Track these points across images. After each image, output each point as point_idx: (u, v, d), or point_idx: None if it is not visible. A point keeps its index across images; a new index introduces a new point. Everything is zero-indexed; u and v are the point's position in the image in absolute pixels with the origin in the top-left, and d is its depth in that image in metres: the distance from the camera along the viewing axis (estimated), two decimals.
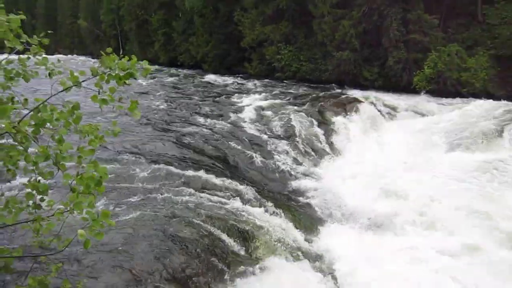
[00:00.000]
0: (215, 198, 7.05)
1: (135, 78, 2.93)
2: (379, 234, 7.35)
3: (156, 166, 8.00)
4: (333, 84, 21.87)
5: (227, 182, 7.93)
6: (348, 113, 14.88)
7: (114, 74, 2.88)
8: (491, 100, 17.21)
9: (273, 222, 6.80)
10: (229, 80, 24.31)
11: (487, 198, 8.89)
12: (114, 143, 9.31)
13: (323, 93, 18.30)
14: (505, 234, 7.18)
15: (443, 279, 5.92)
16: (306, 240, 6.87)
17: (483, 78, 18.93)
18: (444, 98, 18.47)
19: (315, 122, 13.75)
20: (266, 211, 7.16)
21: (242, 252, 5.73)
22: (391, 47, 20.68)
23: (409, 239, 7.04)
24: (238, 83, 22.94)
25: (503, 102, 16.77)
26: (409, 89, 19.88)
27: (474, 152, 12.44)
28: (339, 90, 20.21)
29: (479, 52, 19.67)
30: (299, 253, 6.24)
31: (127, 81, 2.90)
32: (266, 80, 24.58)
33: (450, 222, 7.51)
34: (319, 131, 13.33)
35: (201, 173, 7.98)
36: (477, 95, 18.29)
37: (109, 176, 3.07)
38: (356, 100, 16.26)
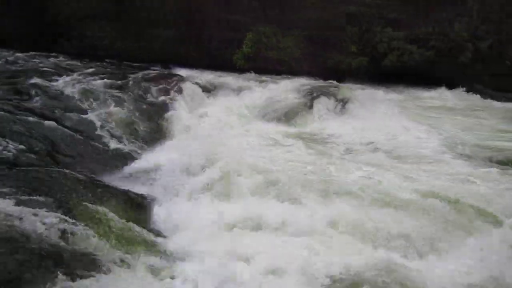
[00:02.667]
0: None
1: None
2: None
3: None
4: (158, 64, 22.01)
5: None
6: (173, 92, 15.34)
7: None
8: (304, 77, 19.64)
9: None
10: (40, 59, 22.33)
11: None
12: None
13: (147, 72, 18.36)
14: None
15: None
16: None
17: (296, 56, 21.33)
18: (263, 76, 20.26)
19: (141, 103, 13.89)
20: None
21: None
22: (214, 26, 21.73)
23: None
24: (52, 63, 21.34)
25: (314, 79, 19.30)
26: (231, 67, 21.23)
27: (286, 125, 14.18)
28: (164, 70, 20.50)
29: (294, 33, 21.99)
30: None
31: None
32: (86, 59, 23.40)
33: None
34: (145, 112, 13.52)
35: None
36: (292, 73, 20.57)
37: None
38: (181, 79, 16.82)
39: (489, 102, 18.33)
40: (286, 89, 17.24)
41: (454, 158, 10.91)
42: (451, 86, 20.23)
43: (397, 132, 13.25)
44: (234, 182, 8.33)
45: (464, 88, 20.07)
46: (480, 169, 10.00)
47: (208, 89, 16.81)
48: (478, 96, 19.15)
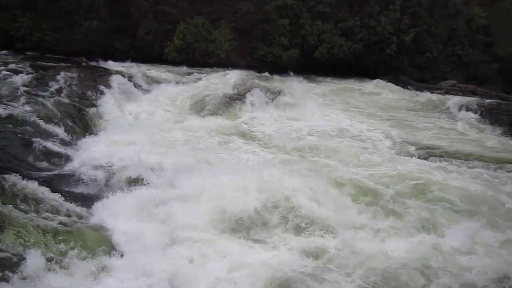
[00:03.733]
0: None
1: None
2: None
3: None
4: (83, 57, 21.18)
5: None
6: (100, 87, 14.83)
7: None
8: (237, 70, 19.79)
9: None
10: None
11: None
12: None
13: (72, 65, 17.60)
14: None
15: None
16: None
17: (227, 49, 21.42)
18: (194, 68, 20.15)
19: (63, 98, 13.28)
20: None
21: None
22: (141, 18, 21.25)
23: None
24: None
25: (247, 71, 19.50)
26: (161, 60, 20.93)
27: (222, 117, 14.25)
28: (90, 62, 19.76)
29: (222, 25, 22.03)
30: None
31: None
32: (3, 51, 22.02)
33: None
34: (69, 108, 12.95)
35: None
36: (222, 65, 20.64)
37: None
38: (107, 73, 16.30)
39: (412, 92, 19.45)
40: (219, 82, 17.29)
41: (369, 146, 11.78)
42: (377, 77, 21.26)
43: (323, 122, 13.99)
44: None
45: (389, 79, 21.15)
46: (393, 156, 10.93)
47: (139, 83, 16.43)
48: (401, 86, 20.23)
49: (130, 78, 16.47)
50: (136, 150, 9.11)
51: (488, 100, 18.55)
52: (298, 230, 6.84)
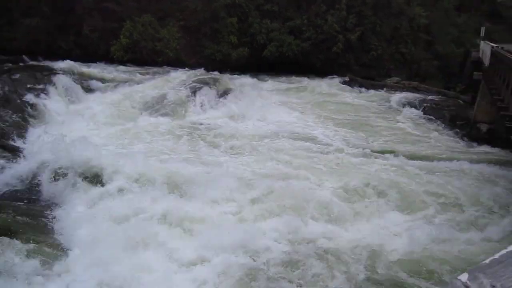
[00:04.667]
0: None
1: None
2: None
3: None
4: (24, 55, 20.48)
5: None
6: (43, 87, 14.49)
7: None
8: (186, 69, 19.77)
9: None
10: None
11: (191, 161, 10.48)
12: None
13: (12, 65, 17.07)
14: None
15: None
16: None
17: (175, 48, 21.35)
18: (143, 67, 19.97)
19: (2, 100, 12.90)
20: None
21: None
22: (86, 15, 20.83)
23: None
24: None
25: (196, 70, 19.45)
26: (108, 58, 20.59)
27: (171, 117, 14.26)
28: (32, 62, 19.17)
29: (170, 23, 21.94)
30: None
31: None
32: None
33: None
34: (9, 109, 12.61)
35: None
36: (171, 64, 20.57)
37: None
38: (51, 72, 15.94)
39: (358, 90, 20.18)
40: (168, 82, 17.25)
41: (312, 142, 12.34)
42: (325, 74, 21.88)
43: (272, 119, 14.46)
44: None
45: (336, 77, 21.82)
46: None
47: (85, 83, 16.16)
48: (348, 84, 20.94)
49: (74, 77, 16.17)
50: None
51: (430, 97, 19.63)
52: None
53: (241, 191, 8.16)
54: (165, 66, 20.02)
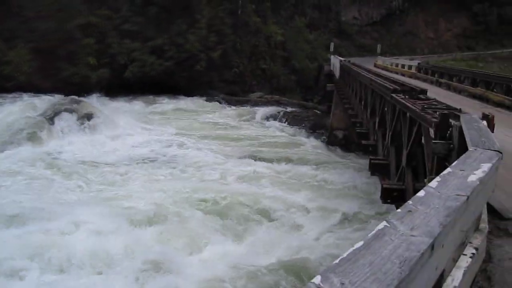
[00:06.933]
0: None
1: None
2: None
3: None
4: None
5: None
6: None
7: None
8: (41, 94, 18.58)
9: None
10: None
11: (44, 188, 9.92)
12: None
13: None
14: None
15: None
16: None
17: (27, 71, 20.03)
18: None
19: None
20: None
21: None
22: None
23: None
24: None
25: (53, 95, 18.37)
26: None
27: (26, 146, 13.37)
28: None
29: (18, 45, 20.55)
30: None
31: None
32: None
33: None
34: None
35: None
36: (23, 89, 19.25)
37: None
38: None
39: (221, 105, 21.10)
40: (22, 108, 16.14)
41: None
42: (189, 93, 22.37)
43: (135, 142, 14.58)
44: None
45: (201, 95, 22.50)
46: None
47: None
48: (213, 101, 21.78)
49: None
50: None
51: (291, 109, 21.31)
52: None
53: None
54: (17, 92, 18.62)
